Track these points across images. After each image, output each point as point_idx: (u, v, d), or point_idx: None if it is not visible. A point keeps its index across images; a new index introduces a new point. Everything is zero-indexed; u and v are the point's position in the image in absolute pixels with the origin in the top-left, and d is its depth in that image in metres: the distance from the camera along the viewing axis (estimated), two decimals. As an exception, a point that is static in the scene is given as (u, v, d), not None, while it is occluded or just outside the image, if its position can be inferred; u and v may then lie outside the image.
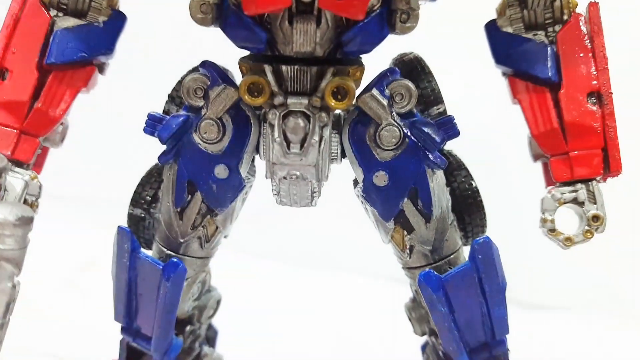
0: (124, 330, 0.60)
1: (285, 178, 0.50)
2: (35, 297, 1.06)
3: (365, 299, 1.05)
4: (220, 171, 0.53)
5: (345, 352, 0.93)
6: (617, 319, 0.97)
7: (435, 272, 0.53)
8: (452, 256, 0.55)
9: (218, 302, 0.64)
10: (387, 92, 0.51)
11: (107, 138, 1.28)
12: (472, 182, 0.57)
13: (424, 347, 0.65)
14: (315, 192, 0.52)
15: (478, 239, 0.52)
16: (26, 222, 0.50)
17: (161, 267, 0.54)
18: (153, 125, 0.54)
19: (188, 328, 0.61)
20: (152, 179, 0.59)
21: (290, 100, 0.48)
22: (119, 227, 0.55)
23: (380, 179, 0.53)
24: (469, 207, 0.56)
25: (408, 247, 0.55)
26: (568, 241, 0.53)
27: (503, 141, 1.02)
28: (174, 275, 0.53)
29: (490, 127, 1.03)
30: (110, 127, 1.25)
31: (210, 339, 0.70)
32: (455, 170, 0.57)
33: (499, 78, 0.59)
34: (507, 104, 0.59)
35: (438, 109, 0.55)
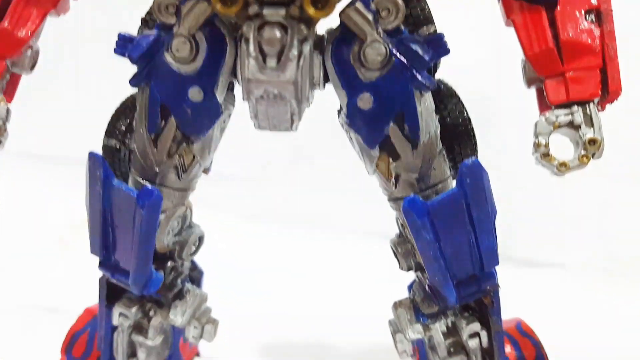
0: (102, 265, 0.57)
1: (262, 97, 0.46)
2: (29, 253, 1.05)
3: (354, 256, 1.02)
4: (195, 94, 0.49)
5: (332, 306, 0.92)
6: (612, 277, 0.95)
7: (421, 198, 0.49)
8: (439, 186, 0.51)
9: (200, 239, 0.60)
10: (372, 6, 0.47)
11: (96, 95, 1.24)
12: (464, 110, 0.53)
13: (410, 286, 0.62)
14: (294, 114, 0.48)
15: (466, 161, 0.48)
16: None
17: (135, 195, 0.50)
18: (123, 45, 0.49)
19: (169, 264, 0.58)
20: (127, 109, 0.55)
21: (266, 11, 0.43)
22: (90, 153, 0.51)
23: (365, 101, 0.48)
24: (459, 136, 0.52)
25: (393, 175, 0.51)
26: (563, 167, 0.49)
27: (497, 78, 0.97)
28: (148, 202, 0.49)
29: (481, 56, 0.98)
30: (98, 83, 1.21)
31: (196, 279, 0.67)
32: (446, 98, 0.53)
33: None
34: (501, 28, 0.55)
35: (428, 30, 0.50)
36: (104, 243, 0.55)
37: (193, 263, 0.66)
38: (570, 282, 0.94)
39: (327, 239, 1.06)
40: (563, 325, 0.88)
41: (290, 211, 1.12)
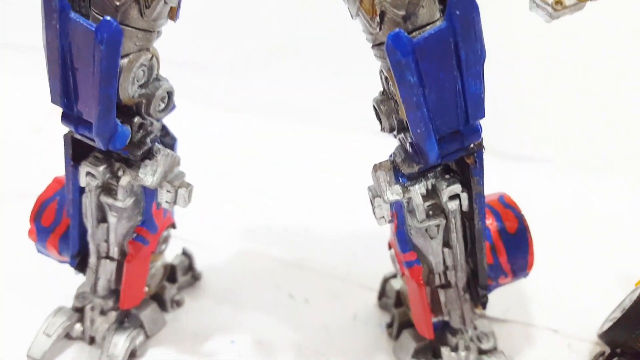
0: (64, 118, 0.53)
1: None
2: (3, 141, 1.02)
3: (337, 149, 1.00)
4: None
5: (311, 195, 0.89)
6: (597, 172, 0.94)
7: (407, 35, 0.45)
8: (427, 27, 0.46)
9: (169, 95, 0.55)
10: None
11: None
12: None
13: (392, 154, 0.59)
14: None
15: (456, -11, 0.43)
16: None
17: (94, 28, 0.45)
18: None
19: (136, 120, 0.54)
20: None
21: None
22: (42, -22, 0.46)
23: None
24: None
25: (378, 12, 0.46)
26: (558, 5, 0.44)
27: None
28: (107, 35, 0.45)
29: None
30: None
31: (168, 146, 0.62)
32: None
33: None
34: None
35: None
36: (65, 90, 0.50)
37: (165, 129, 0.61)
38: (558, 177, 0.93)
39: (310, 132, 1.02)
40: (550, 218, 0.87)
41: (273, 103, 1.08)
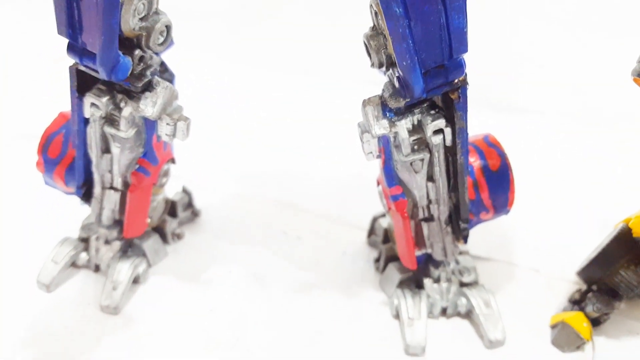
0: (70, 49, 0.56)
1: None
2: (10, 84, 1.05)
3: (332, 98, 1.02)
4: None
5: (308, 142, 0.92)
6: (586, 125, 0.97)
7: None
8: None
9: (168, 29, 0.58)
10: None
11: None
12: None
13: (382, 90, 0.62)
14: None
15: None
16: None
17: (96, -42, 0.49)
18: None
19: (137, 52, 0.57)
20: None
21: None
22: None
23: None
24: None
25: (366, -53, 0.49)
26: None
27: None
28: (109, -36, 0.48)
29: None
30: None
31: (167, 81, 0.65)
32: None
33: None
34: None
35: None
36: (70, 21, 0.53)
37: (164, 64, 0.64)
38: (546, 126, 0.96)
39: (303, 79, 1.04)
40: (535, 164, 0.89)
41: (268, 51, 1.10)
